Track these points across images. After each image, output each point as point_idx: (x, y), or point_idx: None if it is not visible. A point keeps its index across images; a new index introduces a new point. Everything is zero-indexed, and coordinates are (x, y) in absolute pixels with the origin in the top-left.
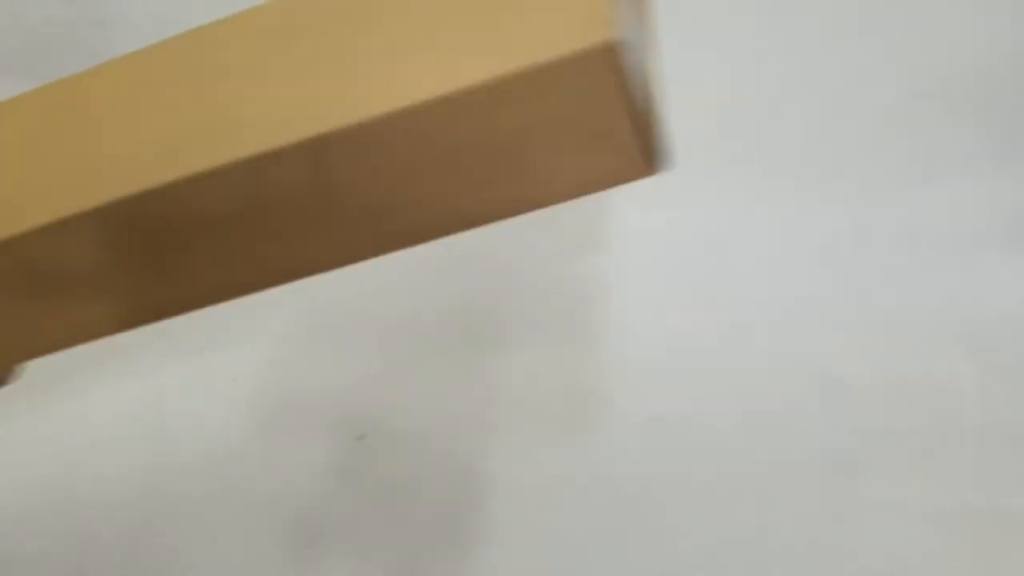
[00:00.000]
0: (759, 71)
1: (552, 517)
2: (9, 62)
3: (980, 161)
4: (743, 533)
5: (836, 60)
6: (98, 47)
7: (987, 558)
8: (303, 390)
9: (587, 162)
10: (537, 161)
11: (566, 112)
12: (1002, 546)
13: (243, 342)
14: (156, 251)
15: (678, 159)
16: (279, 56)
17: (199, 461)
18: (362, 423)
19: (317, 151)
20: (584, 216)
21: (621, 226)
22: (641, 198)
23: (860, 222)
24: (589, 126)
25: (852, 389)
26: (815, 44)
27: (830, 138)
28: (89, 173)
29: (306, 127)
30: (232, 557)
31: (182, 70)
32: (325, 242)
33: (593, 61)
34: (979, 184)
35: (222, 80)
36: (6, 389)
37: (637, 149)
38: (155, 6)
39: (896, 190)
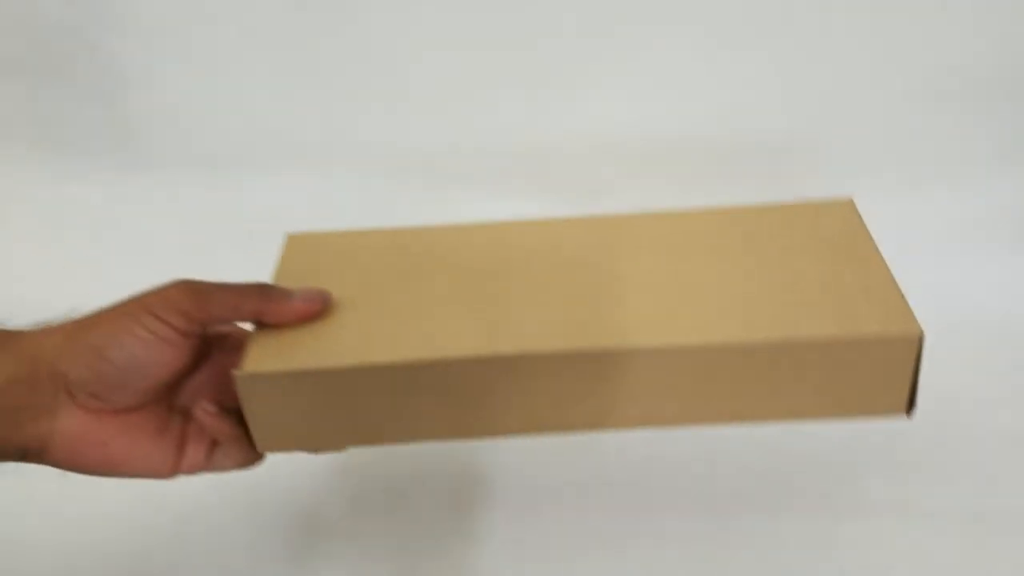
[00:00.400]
0: (760, 70)
1: (552, 517)
2: (12, 62)
3: (982, 161)
4: (744, 531)
5: (838, 60)
6: (100, 47)
7: (987, 557)
8: None
9: (869, 400)
10: (831, 393)
11: (869, 368)
12: (1002, 545)
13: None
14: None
15: (679, 162)
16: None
17: None
18: None
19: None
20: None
21: None
22: (641, 198)
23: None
24: (882, 380)
25: None
26: (817, 44)
27: (831, 138)
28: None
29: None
30: (233, 555)
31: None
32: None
33: (905, 344)
34: (981, 184)
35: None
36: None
37: (906, 399)
38: (157, 7)
39: (897, 190)
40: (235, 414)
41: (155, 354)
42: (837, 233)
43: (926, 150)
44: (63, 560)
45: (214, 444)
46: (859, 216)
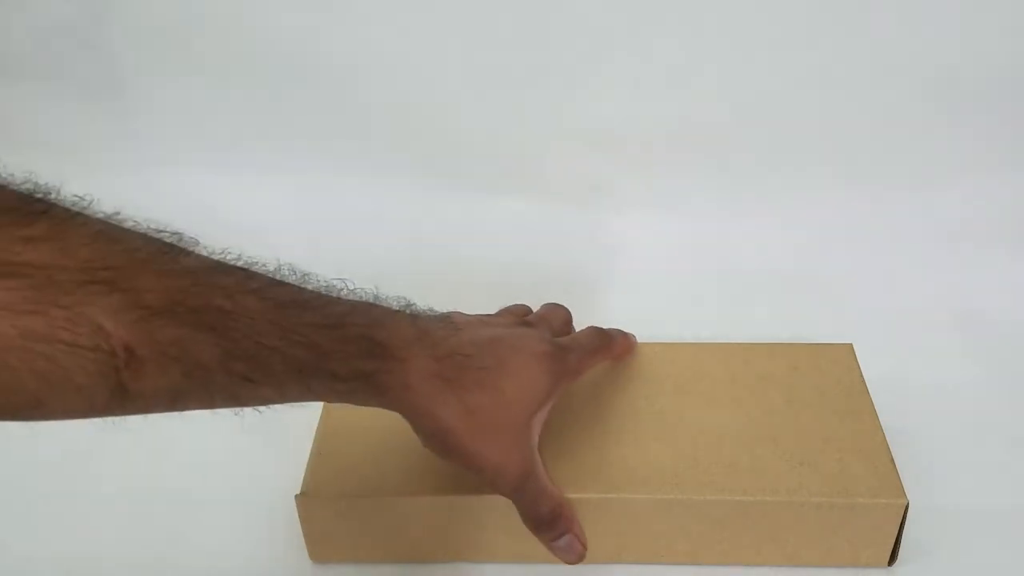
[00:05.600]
0: (759, 68)
1: None
2: (11, 63)
3: (983, 161)
4: None
5: (837, 60)
6: (98, 47)
7: (988, 557)
8: None
9: (857, 552)
10: (824, 545)
11: (860, 528)
12: (1002, 545)
13: None
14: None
15: (679, 160)
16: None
17: (197, 459)
18: None
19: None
20: (590, 221)
21: (625, 229)
22: (644, 200)
23: (860, 221)
24: (870, 538)
25: None
26: (817, 43)
27: (830, 138)
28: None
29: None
30: (231, 554)
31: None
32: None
33: (893, 510)
34: (981, 184)
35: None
36: None
37: (888, 555)
38: (155, 6)
39: (897, 190)
40: None
41: None
42: (837, 384)
43: (927, 150)
44: (59, 558)
45: None
46: (857, 364)
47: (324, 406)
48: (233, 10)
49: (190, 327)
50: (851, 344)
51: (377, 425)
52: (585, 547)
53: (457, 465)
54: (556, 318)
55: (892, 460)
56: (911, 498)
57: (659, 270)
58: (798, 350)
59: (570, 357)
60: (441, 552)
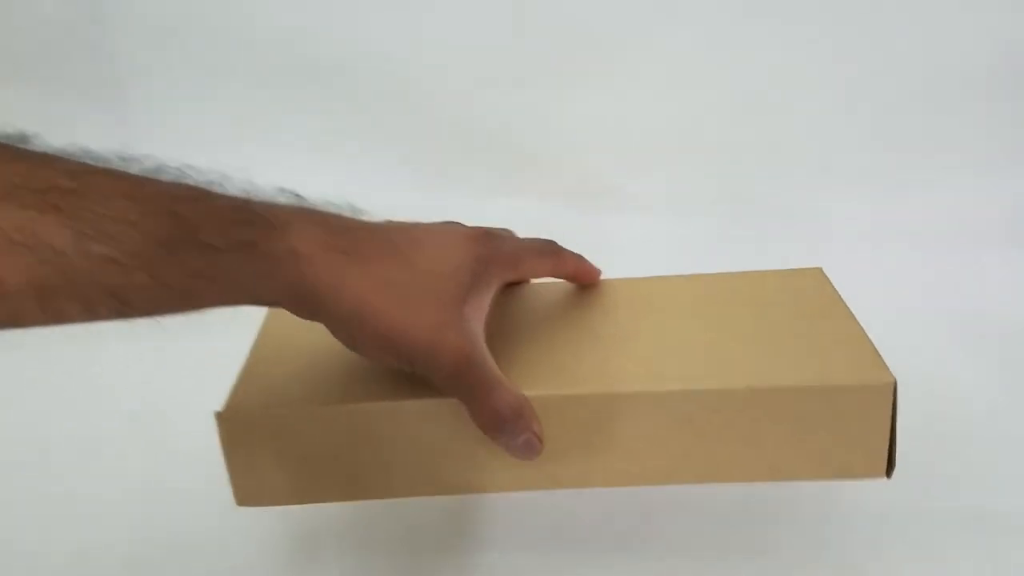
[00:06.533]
0: (760, 69)
1: (551, 516)
2: (12, 63)
3: (982, 161)
4: (742, 534)
5: (836, 60)
6: (98, 47)
7: (988, 558)
8: None
9: (849, 458)
10: (811, 449)
11: (846, 421)
12: (1003, 546)
13: (240, 340)
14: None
15: (677, 160)
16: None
17: (196, 458)
18: None
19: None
20: (591, 221)
21: (625, 229)
22: (644, 199)
23: (859, 221)
24: (860, 436)
25: None
26: (814, 44)
27: (830, 139)
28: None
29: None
30: (230, 553)
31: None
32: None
33: (878, 392)
34: (981, 184)
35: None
36: None
37: (884, 457)
38: (154, 6)
39: (896, 189)
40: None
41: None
42: (810, 294)
43: (926, 150)
44: (58, 556)
45: None
46: (829, 282)
47: (261, 328)
48: (233, 10)
49: (34, 209)
50: (821, 268)
51: (318, 341)
52: (543, 443)
53: (381, 357)
54: (499, 230)
55: (874, 348)
56: (910, 503)
57: (659, 271)
58: (767, 275)
59: (503, 245)
60: (387, 484)
